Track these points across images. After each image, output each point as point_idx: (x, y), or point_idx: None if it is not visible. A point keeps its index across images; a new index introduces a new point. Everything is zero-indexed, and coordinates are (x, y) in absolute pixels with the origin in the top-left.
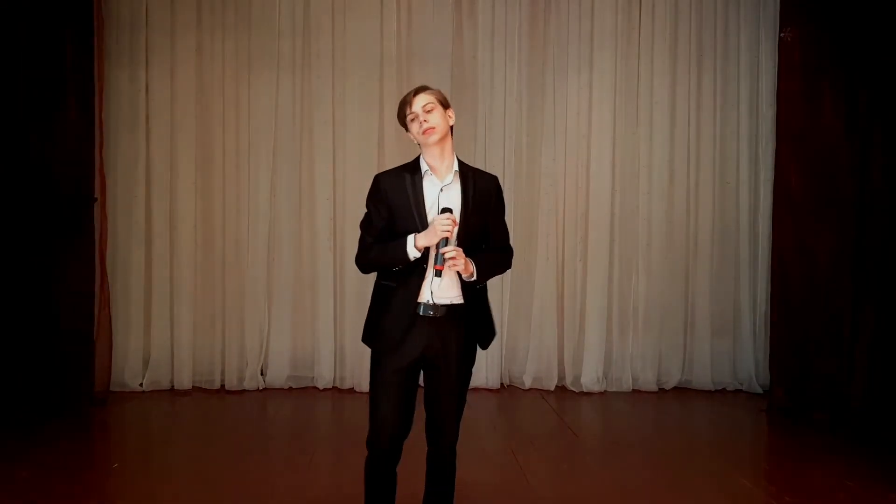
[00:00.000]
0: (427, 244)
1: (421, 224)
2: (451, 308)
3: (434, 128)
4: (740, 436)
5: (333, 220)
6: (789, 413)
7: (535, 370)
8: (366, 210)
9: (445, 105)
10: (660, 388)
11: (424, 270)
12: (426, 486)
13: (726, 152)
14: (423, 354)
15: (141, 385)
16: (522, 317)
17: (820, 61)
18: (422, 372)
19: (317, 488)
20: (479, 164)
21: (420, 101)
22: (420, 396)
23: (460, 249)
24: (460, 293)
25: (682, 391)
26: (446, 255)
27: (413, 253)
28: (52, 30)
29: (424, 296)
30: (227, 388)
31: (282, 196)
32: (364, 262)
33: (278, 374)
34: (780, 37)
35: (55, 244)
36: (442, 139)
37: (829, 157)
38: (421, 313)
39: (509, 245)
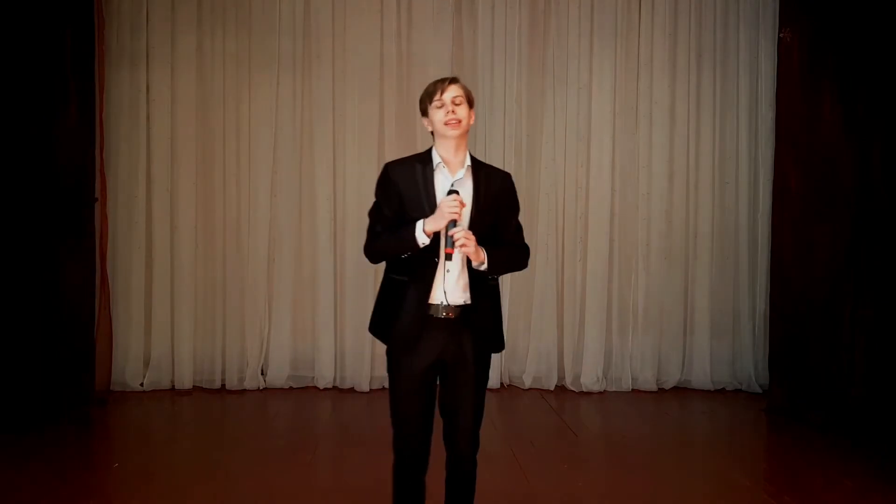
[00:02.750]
0: (435, 228)
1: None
2: (465, 309)
3: (460, 121)
4: (740, 435)
5: (333, 220)
6: (788, 413)
7: (535, 370)
8: (374, 199)
9: (472, 104)
10: (659, 388)
11: (436, 265)
12: (446, 495)
13: (726, 152)
14: (439, 358)
15: (141, 385)
16: (522, 317)
17: (819, 61)
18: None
19: (317, 488)
20: None
21: (453, 91)
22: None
23: (470, 232)
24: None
25: (681, 391)
26: (455, 236)
27: (422, 238)
28: (52, 30)
29: (437, 297)
30: (227, 387)
31: (282, 196)
32: (373, 250)
33: (278, 374)
34: (779, 37)
35: (56, 244)
36: (460, 135)
37: (828, 157)
38: (435, 314)
39: (524, 244)
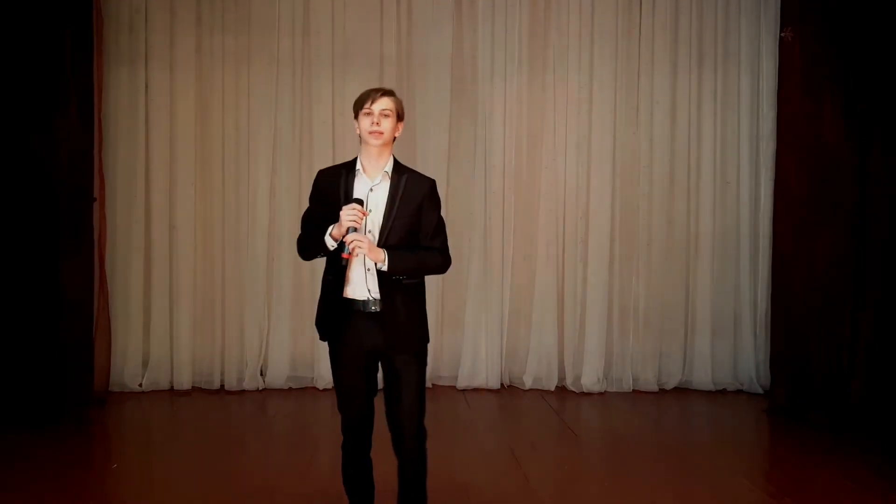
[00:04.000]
0: (338, 234)
1: None
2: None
3: (382, 133)
4: (741, 436)
5: None
6: (789, 413)
7: (536, 370)
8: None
9: (400, 118)
10: (660, 389)
11: (348, 262)
12: (399, 479)
13: (726, 152)
14: (372, 348)
15: (140, 385)
16: (522, 317)
17: (820, 61)
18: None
19: (317, 488)
20: (479, 165)
21: (381, 104)
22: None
23: (366, 237)
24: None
25: (682, 391)
26: (346, 240)
27: (329, 242)
28: (52, 30)
29: (360, 293)
30: (226, 388)
31: (281, 196)
32: (299, 251)
33: (278, 375)
34: (780, 36)
35: (54, 244)
36: (383, 145)
37: (829, 157)
38: (364, 309)
39: (442, 248)
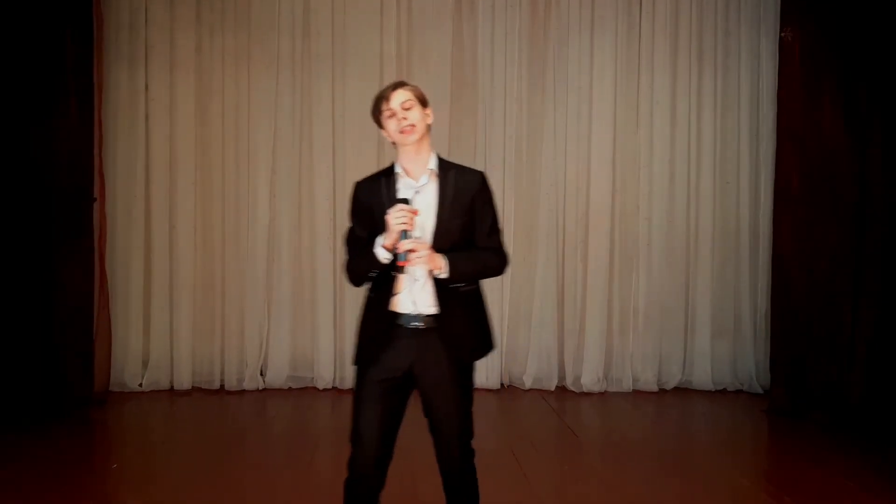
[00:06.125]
0: (391, 243)
1: None
2: (435, 318)
3: (414, 126)
4: (741, 436)
5: (333, 220)
6: (790, 413)
7: (536, 370)
8: (349, 224)
9: (424, 103)
10: (660, 389)
11: (400, 277)
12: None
13: (726, 152)
14: (411, 371)
15: (140, 385)
16: (522, 317)
17: (820, 61)
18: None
19: (317, 488)
20: (479, 165)
21: (399, 98)
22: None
23: (423, 241)
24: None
25: (682, 391)
26: (401, 248)
27: (382, 254)
28: (52, 30)
29: (405, 307)
30: (226, 388)
31: (281, 196)
32: (349, 275)
33: (278, 375)
34: (780, 36)
35: (54, 244)
36: (420, 139)
37: (829, 157)
38: (405, 325)
39: (499, 247)
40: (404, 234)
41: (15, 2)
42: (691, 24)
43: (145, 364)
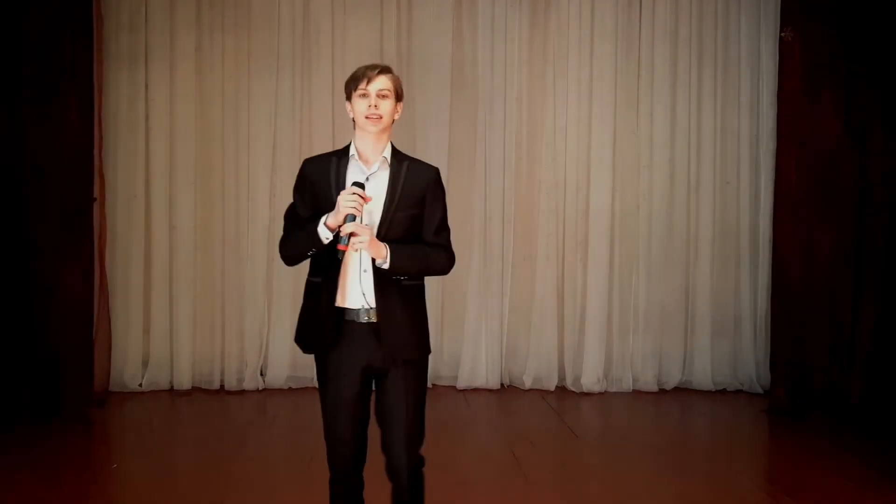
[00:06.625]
0: (334, 223)
1: None
2: (376, 311)
3: (381, 117)
4: (740, 436)
5: None
6: (789, 413)
7: (536, 370)
8: (292, 200)
9: (399, 97)
10: (660, 389)
11: (348, 265)
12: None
13: (726, 152)
14: (367, 365)
15: (140, 385)
16: (522, 317)
17: (820, 61)
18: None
19: (317, 489)
20: (479, 164)
21: (378, 84)
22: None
23: (369, 227)
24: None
25: (682, 391)
26: (344, 231)
27: (324, 233)
28: (52, 30)
29: (355, 300)
30: (226, 388)
31: (282, 196)
32: (284, 251)
33: (278, 375)
34: (780, 36)
35: (54, 244)
36: (381, 130)
37: (829, 157)
38: (356, 319)
39: (447, 245)
40: (351, 218)
41: (15, 1)
42: (691, 24)
43: (145, 364)
